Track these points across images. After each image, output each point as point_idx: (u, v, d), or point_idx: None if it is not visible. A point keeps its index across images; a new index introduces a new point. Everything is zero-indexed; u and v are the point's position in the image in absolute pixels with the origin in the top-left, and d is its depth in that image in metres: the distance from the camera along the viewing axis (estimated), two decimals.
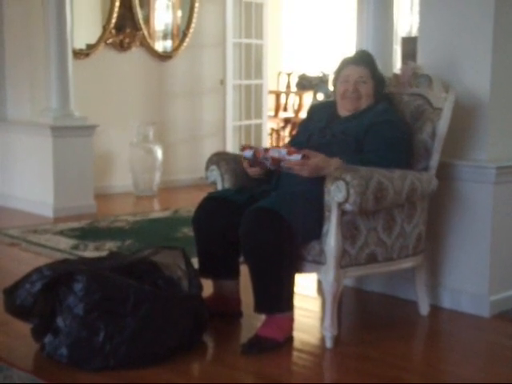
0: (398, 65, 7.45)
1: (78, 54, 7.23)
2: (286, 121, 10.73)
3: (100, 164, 7.33)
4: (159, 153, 7.69)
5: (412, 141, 3.61)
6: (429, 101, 3.68)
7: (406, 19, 9.35)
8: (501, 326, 3.65)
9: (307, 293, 4.20)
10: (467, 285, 3.80)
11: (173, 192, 7.89)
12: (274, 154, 3.30)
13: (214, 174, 3.80)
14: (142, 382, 2.93)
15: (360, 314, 3.99)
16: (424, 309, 3.74)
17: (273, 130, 10.55)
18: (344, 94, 3.61)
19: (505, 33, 3.78)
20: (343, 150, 3.43)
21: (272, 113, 10.58)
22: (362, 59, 3.65)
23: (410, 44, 7.20)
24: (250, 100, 8.57)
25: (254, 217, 3.21)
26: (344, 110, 3.64)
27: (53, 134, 6.31)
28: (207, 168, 3.84)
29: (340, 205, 3.19)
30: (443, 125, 3.59)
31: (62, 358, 3.00)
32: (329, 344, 3.30)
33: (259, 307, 3.31)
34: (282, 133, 10.69)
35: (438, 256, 3.88)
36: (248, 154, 3.44)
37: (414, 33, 8.53)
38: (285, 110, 11.20)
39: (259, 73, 8.61)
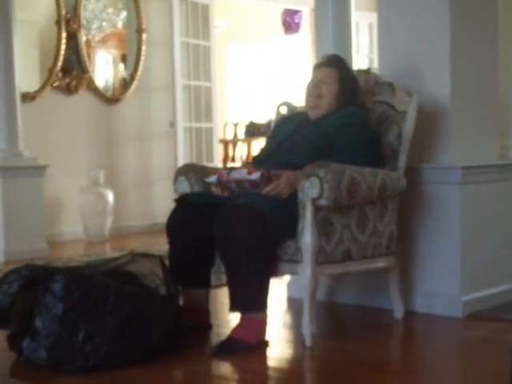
0: None
1: (24, 97, 7.02)
2: None
3: (48, 210, 6.97)
4: (110, 197, 7.53)
5: (380, 143, 3.67)
6: (393, 106, 3.75)
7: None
8: (474, 325, 3.67)
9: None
10: (439, 287, 3.81)
11: (125, 238, 7.67)
12: (236, 175, 3.37)
13: (184, 185, 3.76)
14: (122, 382, 2.85)
15: (333, 324, 3.95)
16: (398, 312, 3.73)
17: None
18: (308, 92, 3.71)
19: (461, 40, 3.89)
20: (315, 150, 3.48)
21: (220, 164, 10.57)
22: (331, 61, 3.75)
23: None
24: (201, 143, 8.51)
25: (230, 212, 3.20)
26: (308, 109, 3.73)
27: (2, 174, 6.19)
28: (176, 180, 3.79)
29: (314, 201, 3.20)
30: (409, 126, 3.65)
31: (41, 361, 2.90)
32: (308, 342, 3.26)
33: (233, 305, 3.26)
34: None
35: (409, 260, 3.89)
36: (212, 179, 3.46)
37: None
38: (233, 160, 11.20)
39: (209, 116, 8.57)
